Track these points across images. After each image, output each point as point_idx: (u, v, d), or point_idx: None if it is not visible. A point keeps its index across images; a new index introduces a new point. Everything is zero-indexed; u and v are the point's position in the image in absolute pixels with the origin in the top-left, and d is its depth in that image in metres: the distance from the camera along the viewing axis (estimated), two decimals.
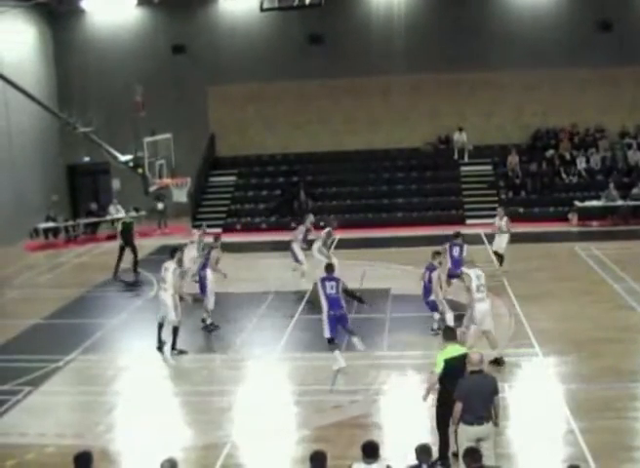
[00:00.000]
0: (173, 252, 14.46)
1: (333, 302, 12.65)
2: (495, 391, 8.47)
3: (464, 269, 12.74)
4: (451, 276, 15.61)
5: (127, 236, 20.98)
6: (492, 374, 8.82)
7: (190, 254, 17.72)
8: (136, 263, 20.79)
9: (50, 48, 30.36)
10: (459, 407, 8.30)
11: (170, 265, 14.02)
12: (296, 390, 12.08)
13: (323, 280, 12.85)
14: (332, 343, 12.75)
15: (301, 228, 19.27)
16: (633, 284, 17.04)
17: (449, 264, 16.23)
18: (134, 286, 19.79)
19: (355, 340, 12.91)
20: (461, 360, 9.16)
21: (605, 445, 9.57)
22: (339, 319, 12.67)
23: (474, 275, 12.27)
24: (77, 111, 18.42)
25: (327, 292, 12.66)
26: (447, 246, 16.45)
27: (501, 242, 18.94)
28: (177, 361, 13.75)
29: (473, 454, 7.07)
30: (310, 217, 19.86)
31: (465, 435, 8.26)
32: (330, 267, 13.30)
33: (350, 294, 13.25)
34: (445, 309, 14.07)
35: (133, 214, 22.76)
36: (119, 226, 21.60)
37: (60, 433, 10.77)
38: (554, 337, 13.77)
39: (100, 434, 10.70)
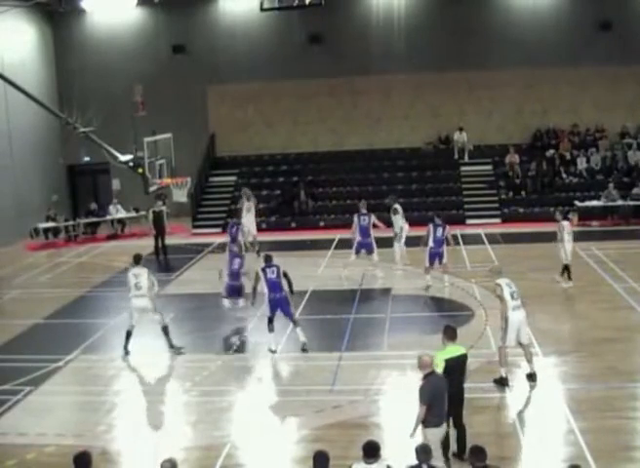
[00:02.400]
0: (137, 258, 14.41)
1: (273, 286, 13.56)
2: (447, 387, 8.58)
3: (496, 279, 11.94)
4: (432, 256, 17.26)
5: (159, 224, 22.85)
6: (440, 373, 8.81)
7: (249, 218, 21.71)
8: (164, 248, 22.68)
9: (50, 48, 30.36)
10: (423, 410, 8.30)
11: (140, 271, 14.01)
12: (295, 390, 12.07)
13: (264, 268, 13.77)
14: (271, 324, 13.64)
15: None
16: (633, 284, 17.04)
17: (431, 243, 17.29)
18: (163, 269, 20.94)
19: (298, 331, 13.71)
20: (461, 360, 9.17)
21: (605, 445, 9.57)
22: (278, 301, 13.57)
23: (504, 283, 11.70)
24: (77, 111, 18.39)
25: (268, 276, 13.59)
26: (430, 227, 17.48)
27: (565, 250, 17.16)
28: (176, 361, 13.76)
29: (478, 454, 7.08)
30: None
31: (433, 437, 8.29)
32: (268, 257, 14.05)
33: (287, 279, 13.87)
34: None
35: (159, 203, 23.37)
36: (150, 216, 23.32)
37: (59, 433, 10.77)
38: (554, 337, 13.76)
39: (100, 434, 10.70)
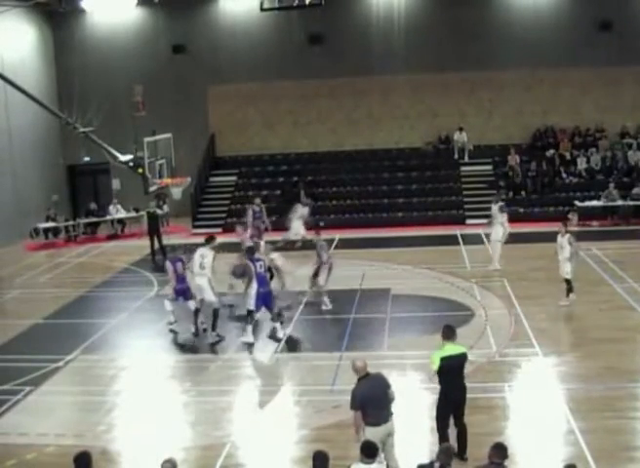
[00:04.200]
0: (210, 239, 15.08)
1: (262, 280, 13.95)
2: (387, 386, 8.62)
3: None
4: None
5: (152, 225, 22.93)
6: (378, 372, 8.82)
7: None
8: (162, 249, 22.31)
9: (50, 48, 30.37)
10: (358, 416, 8.35)
11: (207, 252, 14.69)
12: (296, 390, 12.08)
13: (252, 260, 14.07)
14: (251, 316, 13.99)
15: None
16: (633, 284, 17.05)
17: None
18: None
19: (277, 326, 14.14)
20: (460, 359, 9.17)
21: (605, 445, 9.58)
22: (267, 295, 13.99)
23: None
24: (77, 111, 18.40)
25: (257, 270, 13.92)
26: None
27: (565, 265, 15.98)
28: (176, 361, 13.77)
29: (499, 451, 7.15)
30: None
31: (373, 436, 8.26)
32: (251, 249, 14.66)
33: (270, 272, 14.70)
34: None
35: (153, 204, 23.38)
36: (145, 217, 23.71)
37: (60, 433, 10.78)
38: (554, 337, 13.77)
39: (100, 434, 10.71)
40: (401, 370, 12.67)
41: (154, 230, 22.95)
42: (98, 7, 29.31)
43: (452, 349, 9.21)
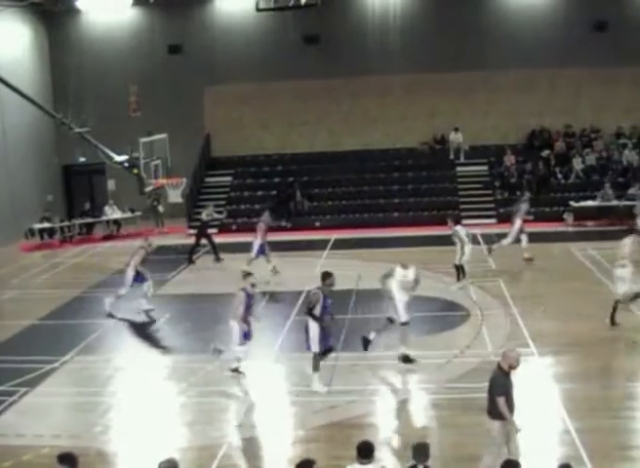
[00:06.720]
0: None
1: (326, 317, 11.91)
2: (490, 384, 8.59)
3: None
4: None
5: (203, 231, 22.10)
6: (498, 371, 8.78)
7: None
8: (215, 250, 21.93)
9: (45, 48, 30.30)
10: (502, 401, 8.34)
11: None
12: (293, 390, 12.07)
13: (326, 296, 11.92)
14: (315, 360, 11.88)
15: None
16: None
17: None
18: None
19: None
20: None
21: (601, 444, 9.58)
22: (326, 337, 12.02)
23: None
24: (72, 111, 18.38)
25: (327, 306, 11.90)
26: None
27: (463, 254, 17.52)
28: (173, 361, 13.74)
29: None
30: None
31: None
32: (327, 275, 12.00)
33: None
34: None
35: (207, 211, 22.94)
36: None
37: (56, 434, 10.74)
38: (550, 337, 13.78)
39: (97, 435, 10.67)
40: (398, 371, 12.67)
41: (204, 234, 22.13)
42: (93, 7, 29.25)
43: None
